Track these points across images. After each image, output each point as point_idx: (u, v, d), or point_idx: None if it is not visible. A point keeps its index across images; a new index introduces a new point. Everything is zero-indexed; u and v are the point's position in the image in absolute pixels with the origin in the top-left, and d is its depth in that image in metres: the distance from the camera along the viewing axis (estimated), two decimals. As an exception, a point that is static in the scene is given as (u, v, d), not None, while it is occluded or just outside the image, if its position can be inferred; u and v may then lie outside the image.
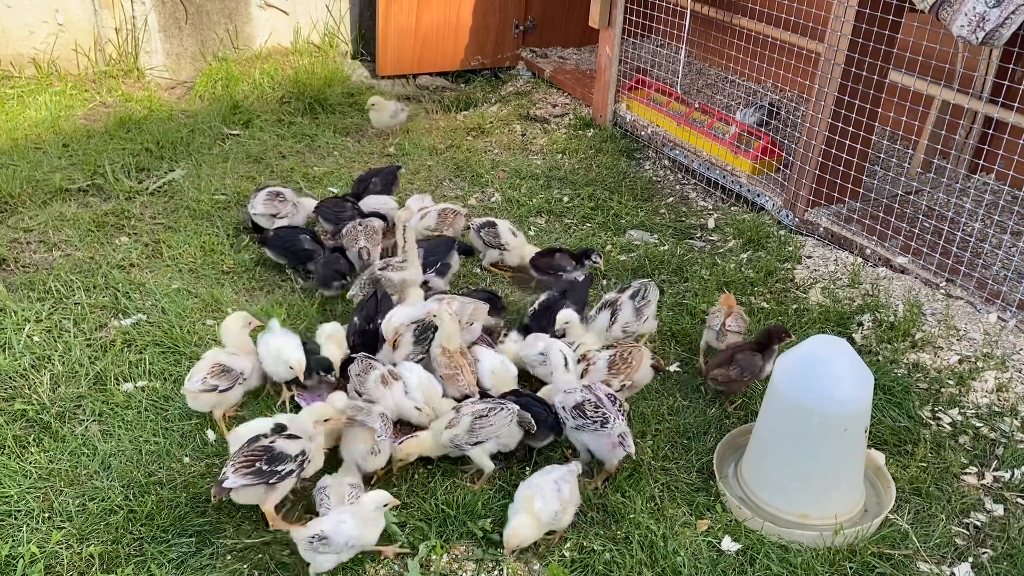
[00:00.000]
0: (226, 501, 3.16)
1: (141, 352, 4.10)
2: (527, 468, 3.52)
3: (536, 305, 4.26)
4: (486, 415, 3.39)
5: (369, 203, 5.20)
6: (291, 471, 3.14)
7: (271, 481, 3.09)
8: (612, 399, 3.44)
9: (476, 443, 3.39)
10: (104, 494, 3.32)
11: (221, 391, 3.65)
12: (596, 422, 3.35)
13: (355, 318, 4.10)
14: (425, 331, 3.89)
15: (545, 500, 3.12)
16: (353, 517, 3.02)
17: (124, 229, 5.17)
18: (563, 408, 3.48)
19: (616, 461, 3.45)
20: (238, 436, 3.32)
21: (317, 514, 3.20)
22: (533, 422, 3.43)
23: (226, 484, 3.03)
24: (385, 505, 3.11)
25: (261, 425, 3.35)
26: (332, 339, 4.01)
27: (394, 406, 3.62)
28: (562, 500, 3.15)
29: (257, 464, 3.08)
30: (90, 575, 3.01)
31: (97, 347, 4.12)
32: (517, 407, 3.45)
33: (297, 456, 3.18)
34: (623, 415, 3.42)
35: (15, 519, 3.21)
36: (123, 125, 6.44)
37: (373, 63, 8.07)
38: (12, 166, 5.66)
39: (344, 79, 7.62)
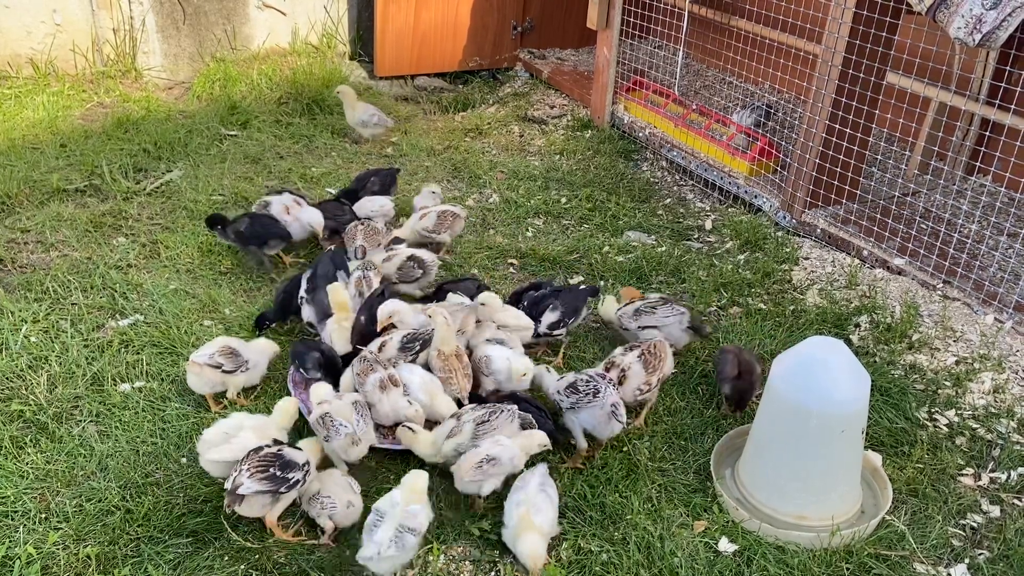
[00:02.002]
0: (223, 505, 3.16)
1: (138, 353, 4.09)
2: (523, 470, 3.52)
3: (526, 301, 4.28)
4: (488, 420, 3.39)
5: (364, 205, 5.20)
6: (298, 480, 3.14)
7: (281, 490, 3.09)
8: (602, 376, 3.56)
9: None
10: (101, 495, 3.32)
11: (225, 371, 3.71)
12: (588, 394, 3.46)
13: (361, 317, 4.10)
14: (413, 340, 3.88)
15: (542, 512, 3.11)
16: (512, 442, 3.29)
17: (122, 229, 5.17)
18: (558, 392, 3.57)
19: (609, 435, 3.51)
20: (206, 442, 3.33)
21: (317, 525, 3.23)
22: (535, 421, 3.44)
23: (241, 490, 3.02)
24: (544, 445, 3.36)
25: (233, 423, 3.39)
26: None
27: (391, 411, 3.61)
28: (553, 504, 3.17)
29: (271, 470, 3.08)
30: (87, 576, 3.01)
31: (94, 348, 4.12)
32: (516, 407, 3.45)
33: (303, 465, 3.18)
34: (615, 389, 3.53)
35: (12, 520, 3.20)
36: (121, 125, 6.43)
37: (371, 64, 8.07)
38: (9, 166, 5.66)
39: (342, 80, 7.61)
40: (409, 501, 3.04)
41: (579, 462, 3.56)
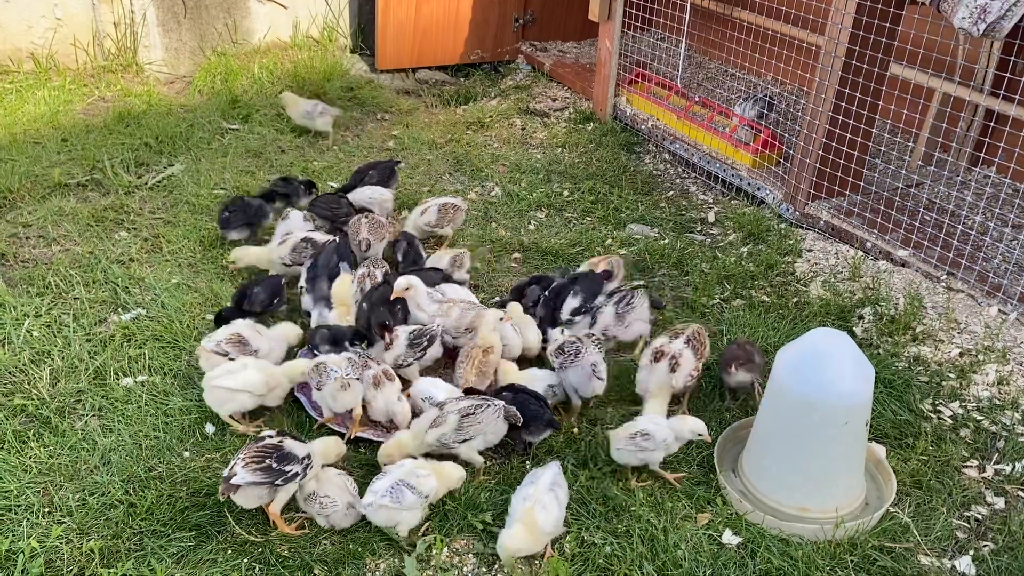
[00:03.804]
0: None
1: (141, 347, 4.09)
2: (527, 462, 3.52)
3: (547, 292, 4.25)
4: (473, 412, 3.39)
5: (363, 193, 5.20)
6: (296, 474, 3.13)
7: (277, 482, 3.08)
8: (589, 337, 3.80)
9: (463, 440, 3.38)
10: (104, 489, 3.32)
11: (231, 359, 3.72)
12: (571, 355, 3.68)
13: (363, 305, 4.08)
14: (420, 336, 3.89)
15: (547, 510, 3.09)
16: (668, 425, 3.41)
17: (123, 224, 5.16)
18: (551, 354, 3.79)
19: (591, 393, 3.70)
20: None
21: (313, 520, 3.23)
22: (520, 416, 3.44)
23: (235, 480, 3.02)
24: (700, 435, 3.44)
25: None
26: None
27: (384, 406, 3.61)
28: (561, 504, 3.16)
29: (267, 461, 3.07)
30: (90, 570, 3.00)
31: (97, 342, 4.11)
32: (503, 403, 3.45)
33: (304, 459, 3.17)
34: (600, 351, 3.74)
35: (15, 514, 3.20)
36: (122, 120, 6.42)
37: (372, 57, 8.05)
38: (11, 161, 5.65)
39: (343, 73, 7.61)
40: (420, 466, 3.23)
41: (572, 418, 3.74)
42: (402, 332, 3.90)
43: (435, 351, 3.94)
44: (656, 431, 3.37)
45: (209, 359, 3.77)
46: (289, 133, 6.61)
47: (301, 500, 3.21)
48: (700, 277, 4.85)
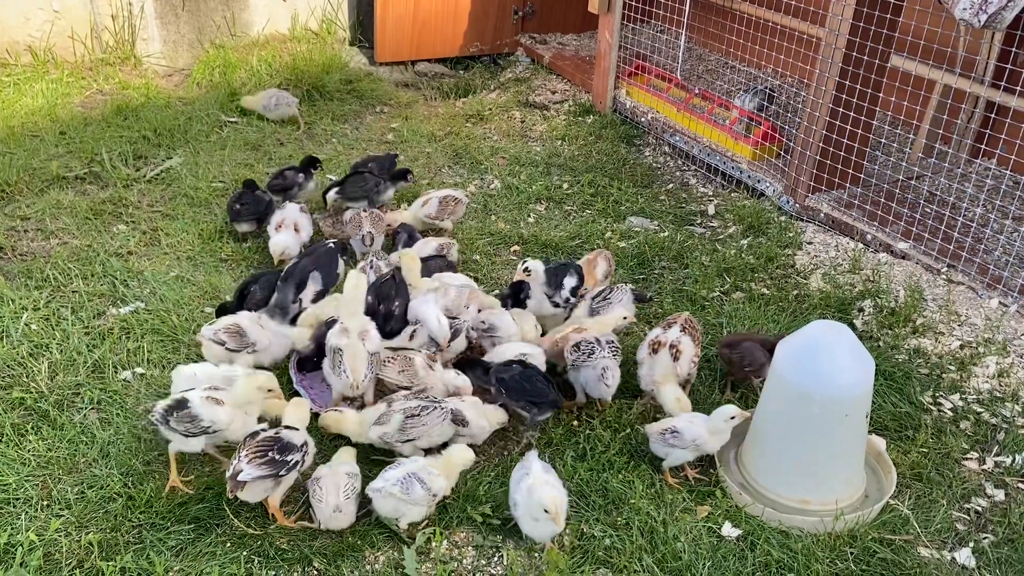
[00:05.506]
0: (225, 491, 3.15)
1: (139, 340, 4.08)
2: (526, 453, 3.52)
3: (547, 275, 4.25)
4: (418, 414, 3.36)
5: None
6: (297, 462, 3.13)
7: (281, 473, 3.08)
8: (610, 343, 3.72)
9: (406, 440, 3.37)
10: (103, 482, 3.32)
11: (228, 349, 3.73)
12: (584, 353, 3.65)
13: (368, 297, 4.06)
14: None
15: (556, 488, 3.10)
16: (704, 423, 3.38)
17: (122, 217, 5.15)
18: (567, 350, 3.77)
19: (599, 395, 3.67)
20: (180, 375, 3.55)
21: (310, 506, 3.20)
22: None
23: (242, 477, 3.01)
24: (732, 418, 3.37)
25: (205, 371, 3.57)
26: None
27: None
28: (559, 481, 3.16)
29: (270, 454, 3.07)
30: (89, 562, 3.00)
31: (95, 335, 4.11)
32: (451, 406, 3.42)
33: (302, 446, 3.17)
34: (615, 356, 3.67)
35: (14, 507, 3.20)
36: (120, 113, 6.40)
37: (371, 50, 8.03)
38: (9, 154, 5.63)
39: (342, 66, 7.59)
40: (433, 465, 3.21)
41: (574, 408, 3.79)
42: (423, 329, 3.89)
43: (460, 343, 3.93)
44: (687, 429, 3.36)
45: (208, 348, 3.76)
46: (288, 126, 6.60)
47: (309, 482, 3.19)
48: (700, 270, 4.84)
